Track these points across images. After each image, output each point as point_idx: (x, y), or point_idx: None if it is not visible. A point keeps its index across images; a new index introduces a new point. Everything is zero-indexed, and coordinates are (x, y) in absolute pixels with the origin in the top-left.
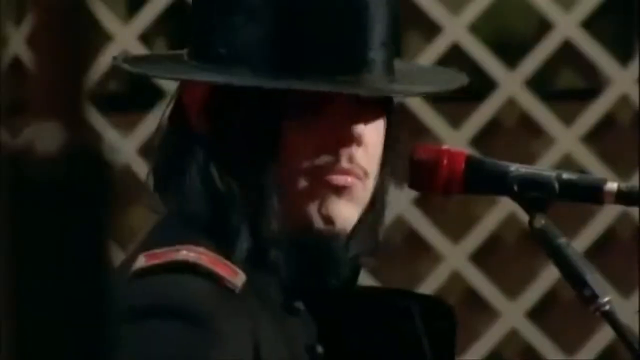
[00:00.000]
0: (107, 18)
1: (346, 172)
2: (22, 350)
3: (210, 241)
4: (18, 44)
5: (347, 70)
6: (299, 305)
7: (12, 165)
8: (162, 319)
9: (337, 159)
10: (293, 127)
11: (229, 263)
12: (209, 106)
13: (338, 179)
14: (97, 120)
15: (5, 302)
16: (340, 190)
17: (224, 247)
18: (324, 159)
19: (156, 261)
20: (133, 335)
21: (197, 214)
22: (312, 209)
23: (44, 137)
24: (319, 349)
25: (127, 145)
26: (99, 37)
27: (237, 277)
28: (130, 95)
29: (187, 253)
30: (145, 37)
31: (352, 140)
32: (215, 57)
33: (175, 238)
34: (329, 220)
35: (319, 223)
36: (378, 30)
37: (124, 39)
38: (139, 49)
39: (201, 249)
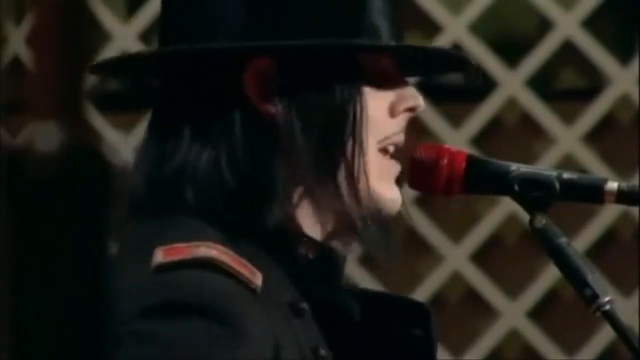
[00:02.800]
0: (107, 17)
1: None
2: (22, 350)
3: (225, 238)
4: (18, 44)
5: (399, 39)
6: (304, 306)
7: (12, 164)
8: (190, 317)
9: (402, 130)
10: (369, 96)
11: (247, 262)
12: (278, 82)
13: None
14: (97, 119)
15: (5, 301)
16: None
17: (241, 245)
18: (392, 130)
19: (177, 256)
20: (159, 332)
21: (226, 209)
22: (382, 188)
23: (44, 136)
24: (322, 352)
25: (126, 145)
26: (99, 36)
27: (256, 277)
28: (129, 94)
29: (208, 250)
30: (145, 37)
31: (417, 107)
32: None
33: (189, 234)
34: (394, 200)
35: (386, 203)
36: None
37: (124, 38)
38: (139, 49)
39: (220, 247)
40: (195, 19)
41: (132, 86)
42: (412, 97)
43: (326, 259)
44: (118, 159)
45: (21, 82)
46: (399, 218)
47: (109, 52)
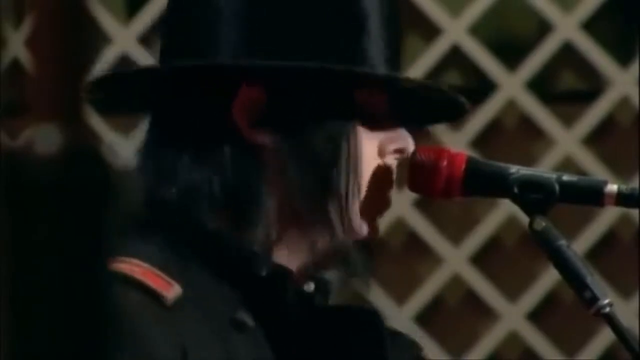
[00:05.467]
0: (106, 20)
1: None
2: (22, 351)
3: (160, 252)
4: (17, 46)
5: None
6: (247, 320)
7: (12, 166)
8: None
9: (392, 170)
10: (359, 134)
11: (164, 275)
12: (267, 111)
13: (389, 192)
14: (97, 121)
15: (5, 302)
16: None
17: (176, 260)
18: (382, 167)
19: None
20: None
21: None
22: (366, 218)
23: (44, 138)
24: None
25: (126, 147)
26: (98, 38)
27: (169, 290)
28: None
29: (122, 265)
30: (145, 39)
31: (407, 150)
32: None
33: (124, 251)
34: (376, 230)
35: (364, 235)
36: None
37: (123, 40)
38: (138, 51)
39: (136, 261)
40: (196, 38)
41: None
42: (402, 138)
43: (277, 279)
44: (118, 161)
45: (21, 85)
46: (399, 221)
47: (109, 54)
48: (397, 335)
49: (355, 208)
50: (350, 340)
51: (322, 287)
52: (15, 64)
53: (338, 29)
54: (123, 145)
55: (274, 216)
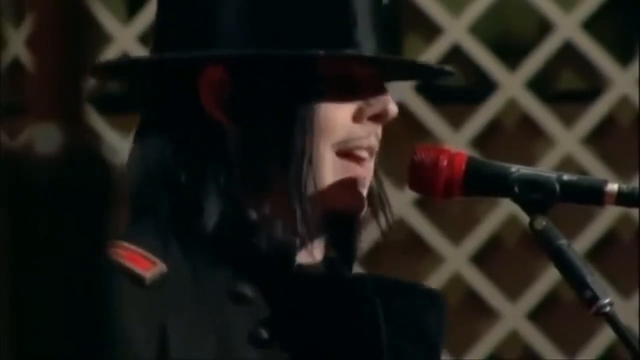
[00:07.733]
0: (107, 19)
1: (371, 150)
2: (22, 351)
3: (150, 233)
4: (17, 45)
5: (384, 50)
6: (247, 291)
7: (12, 166)
8: None
9: (369, 135)
10: (326, 104)
11: (148, 255)
12: (231, 91)
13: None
14: (97, 121)
15: (5, 304)
16: (363, 171)
17: (164, 240)
18: (353, 134)
19: None
20: None
21: (157, 204)
22: (337, 192)
23: (44, 138)
24: (264, 334)
25: (126, 147)
26: (99, 38)
27: (150, 269)
28: (129, 96)
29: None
30: (145, 39)
31: (386, 114)
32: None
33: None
34: (350, 204)
35: (342, 205)
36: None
37: (124, 40)
38: (139, 51)
39: (124, 244)
40: (173, 26)
41: (131, 88)
42: (379, 103)
43: (275, 250)
44: (118, 160)
45: (21, 84)
46: (400, 220)
47: (109, 54)
48: (424, 292)
49: (318, 180)
50: (342, 315)
51: (329, 262)
52: (16, 64)
53: (320, 10)
54: (123, 145)
55: (234, 190)
